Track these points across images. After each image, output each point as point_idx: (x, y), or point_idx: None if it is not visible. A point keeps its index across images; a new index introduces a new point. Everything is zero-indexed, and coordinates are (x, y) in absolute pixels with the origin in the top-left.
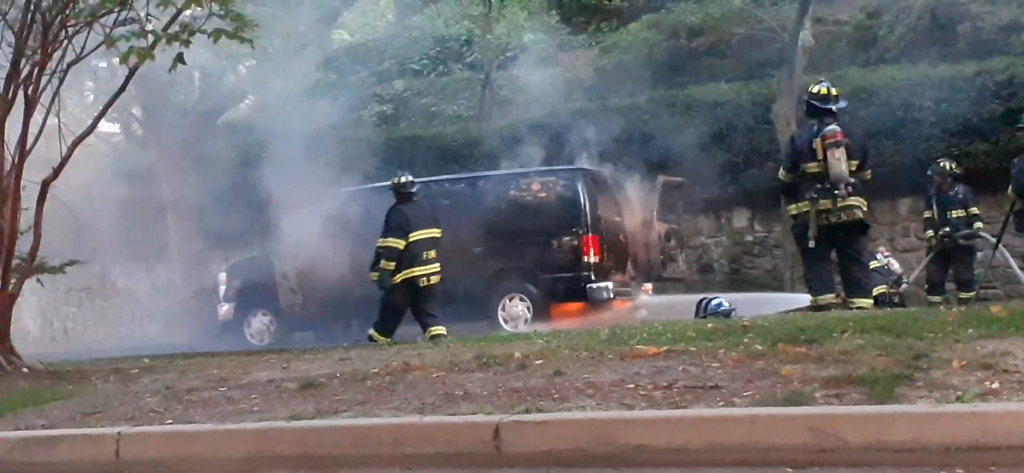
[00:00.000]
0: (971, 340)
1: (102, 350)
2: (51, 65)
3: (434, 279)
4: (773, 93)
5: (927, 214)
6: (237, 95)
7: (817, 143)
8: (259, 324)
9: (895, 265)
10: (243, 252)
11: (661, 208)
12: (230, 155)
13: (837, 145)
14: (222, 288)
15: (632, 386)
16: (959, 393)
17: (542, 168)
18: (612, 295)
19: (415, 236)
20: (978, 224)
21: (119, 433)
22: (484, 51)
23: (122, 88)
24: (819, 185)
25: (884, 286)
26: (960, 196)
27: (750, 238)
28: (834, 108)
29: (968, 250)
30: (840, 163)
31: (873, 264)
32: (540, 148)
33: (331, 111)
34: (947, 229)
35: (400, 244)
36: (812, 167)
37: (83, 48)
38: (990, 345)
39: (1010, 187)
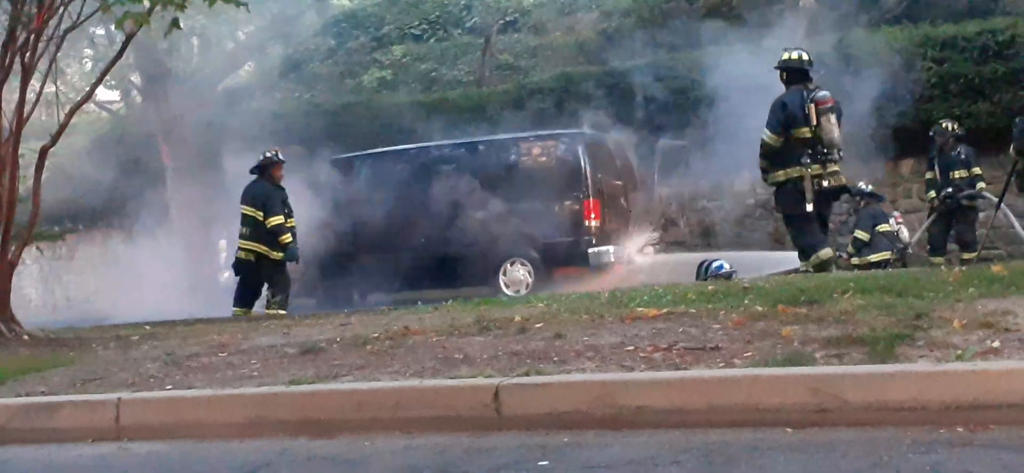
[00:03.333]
0: (972, 299)
1: (103, 318)
2: (48, 32)
3: (239, 254)
4: (774, 54)
5: (929, 175)
6: (236, 62)
7: (810, 108)
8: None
9: (904, 233)
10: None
11: (662, 171)
12: (230, 122)
13: (831, 110)
14: (223, 255)
15: (632, 348)
16: (959, 352)
17: (543, 132)
18: (613, 259)
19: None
20: (981, 184)
21: (119, 399)
22: (484, 15)
23: (119, 54)
24: (811, 150)
25: (888, 253)
26: (962, 157)
27: (751, 201)
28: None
29: (970, 210)
30: (834, 128)
31: (884, 227)
32: (541, 112)
33: (330, 77)
34: (949, 190)
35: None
36: (804, 132)
37: (80, 14)
38: (991, 304)
39: (1011, 147)
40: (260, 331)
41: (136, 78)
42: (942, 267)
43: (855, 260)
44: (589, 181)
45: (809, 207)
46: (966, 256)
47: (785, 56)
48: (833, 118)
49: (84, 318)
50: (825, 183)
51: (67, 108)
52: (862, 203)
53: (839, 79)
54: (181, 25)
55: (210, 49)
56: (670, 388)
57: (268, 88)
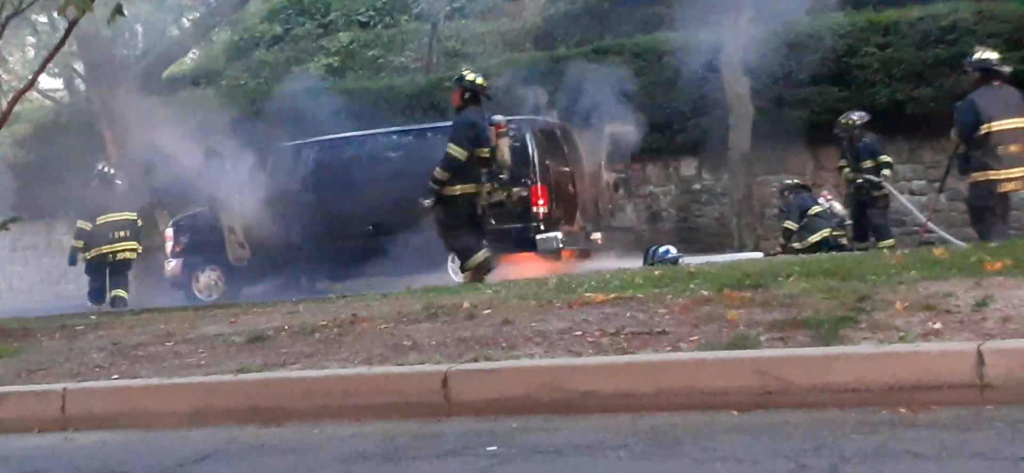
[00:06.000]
0: (914, 282)
1: (48, 308)
2: None
3: (125, 255)
4: (720, 41)
5: (841, 163)
6: (181, 49)
7: (491, 130)
8: (207, 279)
9: (838, 208)
10: (190, 207)
11: (609, 158)
12: (175, 110)
13: (508, 135)
14: (169, 244)
15: (580, 333)
16: (902, 334)
17: (490, 119)
18: (561, 245)
19: (102, 220)
20: (886, 172)
21: (65, 389)
22: (431, 2)
23: (61, 42)
24: (486, 169)
25: (827, 230)
26: (869, 146)
27: (698, 186)
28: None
29: (881, 198)
30: (508, 151)
31: (815, 209)
32: (487, 99)
33: (277, 64)
34: (858, 181)
35: (87, 226)
36: (485, 152)
37: (21, 1)
38: (932, 286)
39: (953, 131)
40: (207, 320)
41: (79, 66)
42: (886, 251)
43: (797, 245)
44: (536, 167)
45: (493, 221)
46: (882, 244)
47: (471, 78)
48: (507, 141)
49: (29, 308)
50: (494, 198)
51: (10, 96)
52: (789, 195)
53: (784, 64)
54: (124, 12)
55: (154, 36)
56: (618, 372)
57: (213, 75)
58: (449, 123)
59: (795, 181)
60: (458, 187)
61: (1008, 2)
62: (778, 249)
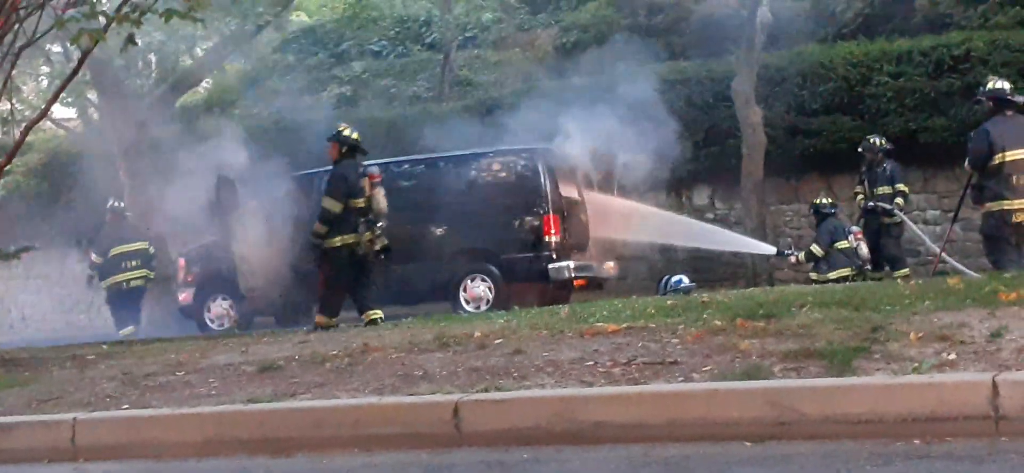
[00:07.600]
0: (928, 312)
1: (60, 337)
2: (2, 49)
3: (136, 282)
4: (732, 70)
5: (858, 190)
6: (194, 78)
7: (364, 181)
8: (219, 309)
9: (864, 250)
10: (202, 237)
11: (621, 187)
12: (188, 139)
13: (381, 184)
14: (181, 273)
15: (592, 363)
16: (916, 365)
17: (502, 148)
18: (573, 275)
19: (115, 251)
20: (899, 200)
21: (75, 419)
22: (443, 31)
23: (75, 71)
24: (363, 218)
25: (848, 269)
26: (888, 172)
27: (711, 215)
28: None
29: (894, 227)
30: (383, 200)
31: (842, 244)
32: (500, 128)
33: (290, 93)
34: (869, 205)
35: (99, 260)
36: (360, 202)
37: (35, 31)
38: (947, 317)
39: (966, 161)
40: (218, 349)
41: (93, 95)
42: (900, 281)
43: (814, 276)
44: (549, 197)
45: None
46: (897, 274)
47: (347, 134)
48: (382, 190)
49: (40, 337)
50: (376, 246)
51: (23, 126)
52: (819, 217)
53: (797, 93)
54: (137, 41)
55: (168, 66)
56: (629, 403)
57: (227, 105)
58: (461, 154)
59: (830, 202)
60: (338, 239)
61: (1021, 32)
62: (793, 257)
